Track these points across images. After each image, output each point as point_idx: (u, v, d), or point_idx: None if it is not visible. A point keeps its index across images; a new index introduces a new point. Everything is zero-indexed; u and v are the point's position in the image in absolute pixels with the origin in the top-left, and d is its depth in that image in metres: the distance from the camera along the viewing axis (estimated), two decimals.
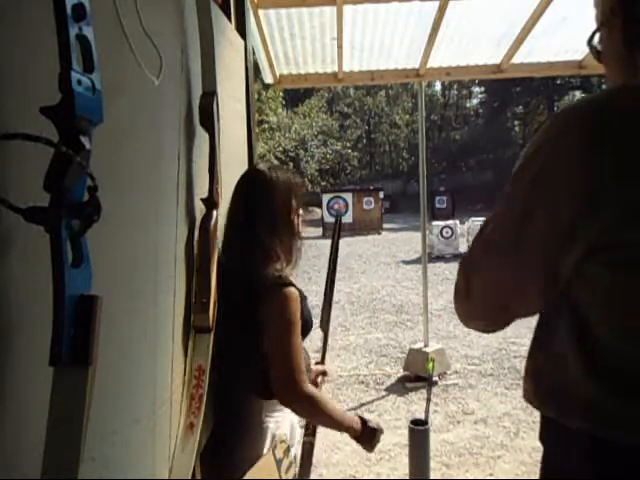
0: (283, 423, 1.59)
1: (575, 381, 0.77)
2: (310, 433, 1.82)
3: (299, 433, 1.74)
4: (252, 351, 1.48)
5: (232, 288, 1.50)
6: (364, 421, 1.57)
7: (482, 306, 0.89)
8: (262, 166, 1.64)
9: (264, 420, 1.52)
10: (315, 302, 2.88)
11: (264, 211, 1.53)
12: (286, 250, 1.58)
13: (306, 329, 1.62)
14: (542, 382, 0.85)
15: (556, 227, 0.75)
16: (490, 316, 0.91)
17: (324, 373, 1.96)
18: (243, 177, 1.64)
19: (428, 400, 2.38)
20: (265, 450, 1.46)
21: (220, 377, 1.52)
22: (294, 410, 1.49)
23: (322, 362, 1.99)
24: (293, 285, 1.50)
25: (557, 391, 0.81)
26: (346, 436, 1.55)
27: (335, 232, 1.97)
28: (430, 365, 3.09)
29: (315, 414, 1.49)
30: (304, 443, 1.82)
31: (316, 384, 1.88)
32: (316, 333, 2.09)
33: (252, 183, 1.59)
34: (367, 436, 1.56)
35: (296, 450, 1.70)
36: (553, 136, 0.78)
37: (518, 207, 0.80)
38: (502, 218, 0.84)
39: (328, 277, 1.93)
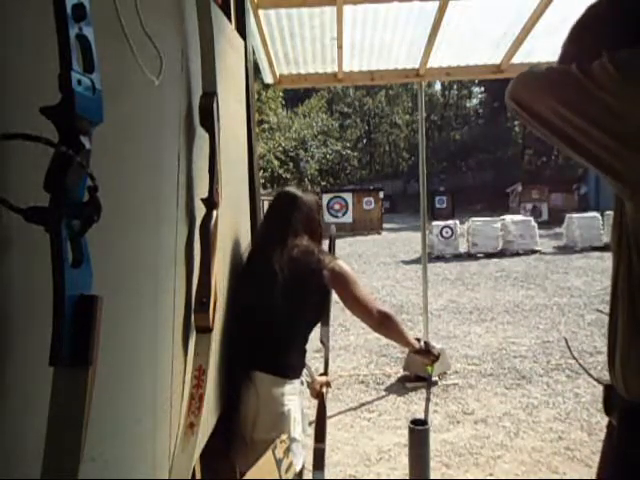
0: (299, 406, 1.75)
1: None
2: (320, 440, 1.88)
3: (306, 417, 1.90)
4: (289, 330, 1.75)
5: (271, 281, 1.72)
6: (418, 339, 2.05)
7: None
8: (296, 190, 2.00)
9: (285, 403, 1.68)
10: None
11: (302, 223, 1.85)
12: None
13: None
14: (629, 367, 0.86)
15: None
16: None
17: (328, 384, 2.15)
18: (281, 197, 1.96)
19: (428, 400, 2.38)
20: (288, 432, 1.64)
21: (241, 363, 1.70)
22: (384, 328, 1.94)
23: (325, 373, 2.11)
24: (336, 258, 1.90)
25: None
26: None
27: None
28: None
29: (395, 329, 1.96)
30: (315, 450, 1.89)
31: (320, 394, 2.01)
32: (316, 334, 2.10)
33: (292, 203, 1.91)
34: (424, 351, 2.04)
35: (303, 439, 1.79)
36: None
37: None
38: None
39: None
